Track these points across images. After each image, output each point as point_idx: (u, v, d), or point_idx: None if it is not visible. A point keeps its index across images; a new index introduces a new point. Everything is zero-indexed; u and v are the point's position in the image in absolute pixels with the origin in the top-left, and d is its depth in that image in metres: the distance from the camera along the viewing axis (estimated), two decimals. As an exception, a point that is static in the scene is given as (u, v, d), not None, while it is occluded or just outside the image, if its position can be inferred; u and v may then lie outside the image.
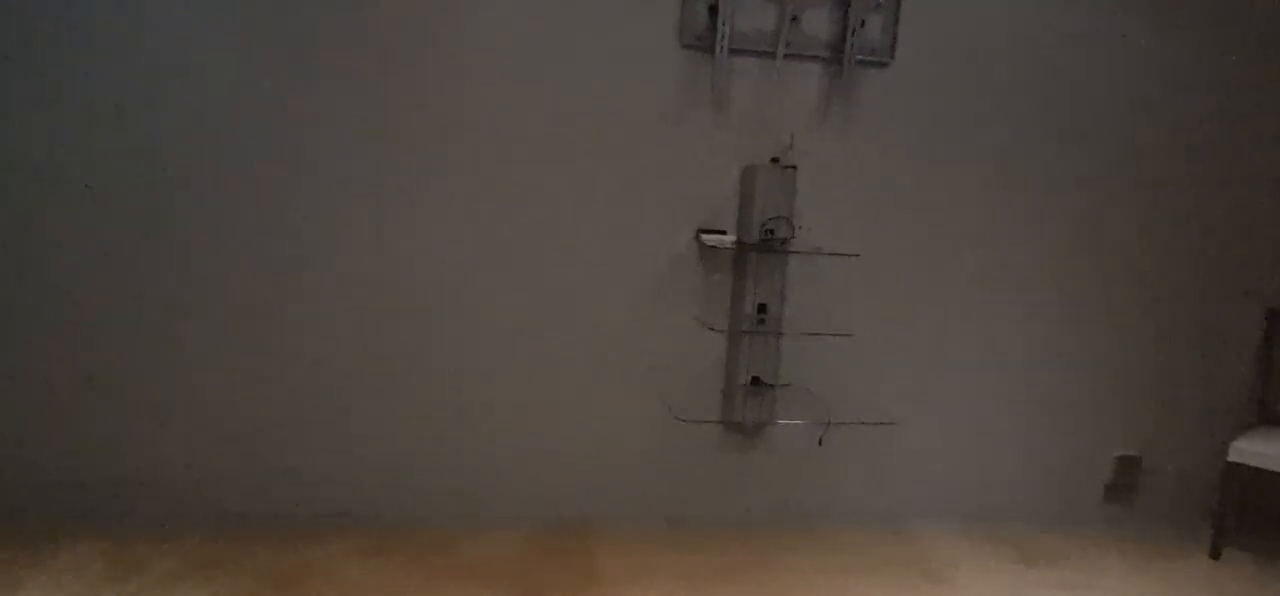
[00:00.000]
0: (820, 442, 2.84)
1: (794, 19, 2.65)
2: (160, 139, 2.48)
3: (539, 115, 2.62)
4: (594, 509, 2.81)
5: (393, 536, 2.62)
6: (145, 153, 2.48)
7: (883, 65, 2.74)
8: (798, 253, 2.72)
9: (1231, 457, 2.78)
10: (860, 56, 2.70)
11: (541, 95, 2.61)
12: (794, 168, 2.67)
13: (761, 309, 2.75)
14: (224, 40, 2.48)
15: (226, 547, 2.48)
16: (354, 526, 2.65)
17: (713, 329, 2.77)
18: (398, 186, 2.60)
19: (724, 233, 2.72)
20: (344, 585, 2.34)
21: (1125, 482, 3.10)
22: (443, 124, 2.59)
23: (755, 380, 2.80)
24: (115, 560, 2.37)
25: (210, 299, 2.56)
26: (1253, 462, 2.75)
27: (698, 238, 2.72)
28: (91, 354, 2.54)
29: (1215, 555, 2.87)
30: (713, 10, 2.61)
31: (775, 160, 2.68)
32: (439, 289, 2.66)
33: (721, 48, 2.62)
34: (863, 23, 2.68)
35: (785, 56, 2.67)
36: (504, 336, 2.71)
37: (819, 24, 2.69)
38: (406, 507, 2.72)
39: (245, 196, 2.54)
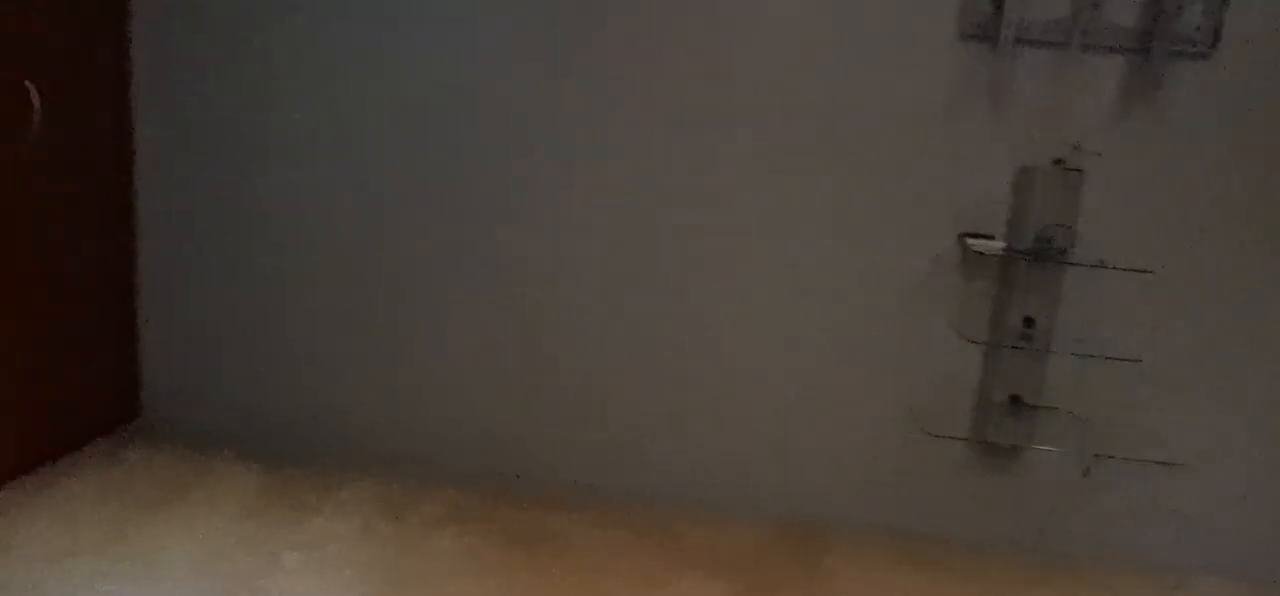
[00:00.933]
0: (1085, 474, 2.57)
1: (1095, 5, 2.36)
2: (430, 99, 2.68)
3: (802, 106, 2.54)
4: (825, 511, 2.73)
5: (623, 511, 2.69)
6: (419, 115, 2.69)
7: (1200, 57, 2.37)
8: (1078, 265, 2.45)
9: None
10: (1173, 47, 2.36)
11: (805, 86, 2.53)
12: (1080, 171, 2.40)
13: (1028, 322, 2.52)
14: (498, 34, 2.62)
15: (476, 501, 2.67)
16: (587, 497, 2.76)
17: (970, 340, 2.57)
18: (658, 173, 2.63)
19: (991, 237, 2.50)
20: (578, 552, 2.44)
21: None
22: (705, 116, 2.58)
23: (1014, 399, 2.57)
24: (386, 500, 2.62)
25: (480, 269, 2.75)
26: None
27: (961, 241, 2.53)
28: (373, 312, 2.82)
29: None
30: (999, -3, 2.39)
31: (1058, 162, 2.42)
32: (692, 273, 2.68)
33: (1006, 37, 2.39)
34: (1180, 8, 2.34)
35: (1081, 47, 2.39)
36: (748, 325, 2.68)
37: (1124, 10, 2.37)
38: (637, 485, 2.79)
39: (519, 164, 2.68)
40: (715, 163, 2.60)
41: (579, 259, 2.71)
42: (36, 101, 2.36)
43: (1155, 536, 2.64)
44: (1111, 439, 2.56)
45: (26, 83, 2.34)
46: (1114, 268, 2.44)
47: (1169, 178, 2.44)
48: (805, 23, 2.50)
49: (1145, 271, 2.43)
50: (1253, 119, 2.39)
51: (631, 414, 2.78)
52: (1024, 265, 2.48)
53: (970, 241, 2.49)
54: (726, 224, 2.64)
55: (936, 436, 2.64)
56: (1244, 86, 2.38)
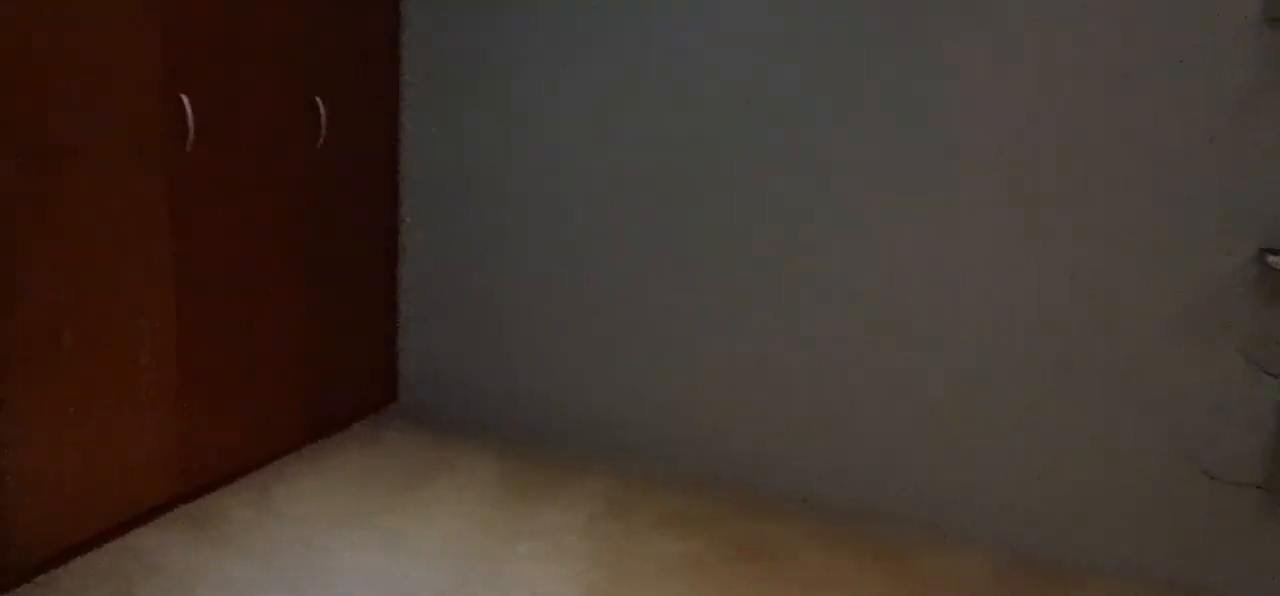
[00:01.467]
0: None
1: None
2: (685, 95, 2.71)
3: (1072, 101, 2.31)
4: (1073, 548, 2.47)
5: (849, 530, 2.58)
6: (672, 112, 2.73)
7: None
8: None
9: None
10: None
11: (1077, 78, 2.30)
12: None
13: (1346, 355, 2.14)
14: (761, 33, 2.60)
15: (700, 505, 2.67)
16: (812, 511, 2.68)
17: (1269, 372, 2.22)
18: (909, 183, 2.51)
19: (1300, 254, 2.15)
20: (805, 568, 2.37)
21: None
22: (963, 116, 2.43)
23: (1325, 444, 2.20)
24: (613, 497, 2.69)
25: (724, 274, 2.75)
26: None
27: (1262, 258, 2.19)
28: (615, 310, 2.90)
29: None
30: (1318, -29, 2.04)
31: (1394, 166, 2.04)
32: (939, 288, 2.52)
33: (1325, 20, 2.04)
34: None
35: None
36: (997, 341, 2.49)
37: None
38: (867, 503, 2.67)
39: (773, 171, 2.66)
40: (972, 169, 2.44)
41: (822, 270, 2.63)
42: (324, 113, 2.64)
43: None
44: None
45: (316, 98, 2.62)
46: None
47: None
48: (1083, 6, 2.27)
49: None
50: None
51: (863, 430, 2.66)
52: (1343, 288, 2.11)
53: (1272, 258, 2.16)
54: (981, 236, 2.46)
55: (1221, 481, 2.30)
56: None
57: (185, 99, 2.21)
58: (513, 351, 3.07)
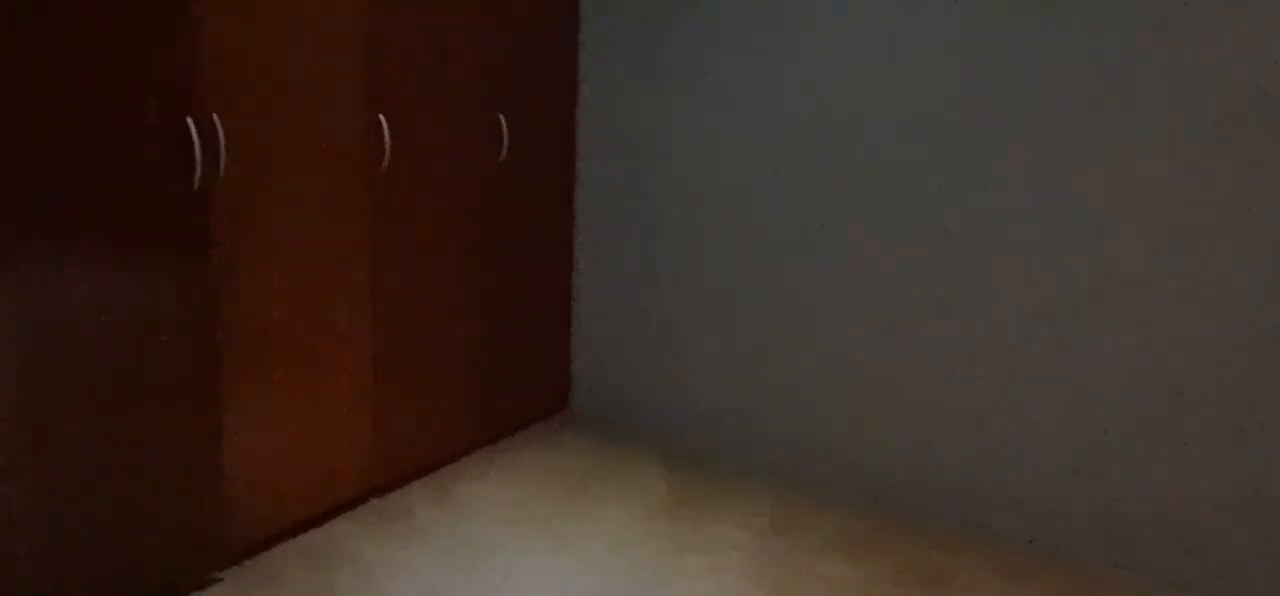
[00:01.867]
0: None
1: None
2: (861, 109, 2.64)
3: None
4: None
5: (1036, 563, 2.42)
6: (845, 126, 2.66)
7: None
8: None
9: None
10: None
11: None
12: None
13: None
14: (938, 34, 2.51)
15: (869, 527, 2.58)
16: (990, 541, 2.52)
17: None
18: (1092, 198, 2.34)
19: None
20: (984, 605, 2.25)
21: None
22: (1146, 133, 2.23)
23: None
24: (779, 516, 2.64)
25: (899, 292, 2.66)
26: None
27: None
28: (786, 324, 2.86)
29: None
30: None
31: None
32: (1118, 316, 2.33)
33: None
34: None
35: None
36: (1188, 378, 2.26)
37: None
38: (1051, 535, 2.48)
39: (944, 182, 2.56)
40: (1159, 197, 2.24)
41: (1003, 299, 2.49)
42: (506, 131, 2.76)
43: None
44: None
45: (499, 116, 2.75)
46: None
47: None
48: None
49: None
50: None
51: (1041, 459, 2.48)
52: None
53: None
54: (1174, 273, 2.25)
55: None
56: None
57: (382, 119, 2.37)
58: (682, 363, 3.09)
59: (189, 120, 1.91)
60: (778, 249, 2.83)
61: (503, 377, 3.04)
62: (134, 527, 1.98)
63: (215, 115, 1.96)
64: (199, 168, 1.93)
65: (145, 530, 2.00)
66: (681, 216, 3.00)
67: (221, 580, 2.19)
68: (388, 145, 2.39)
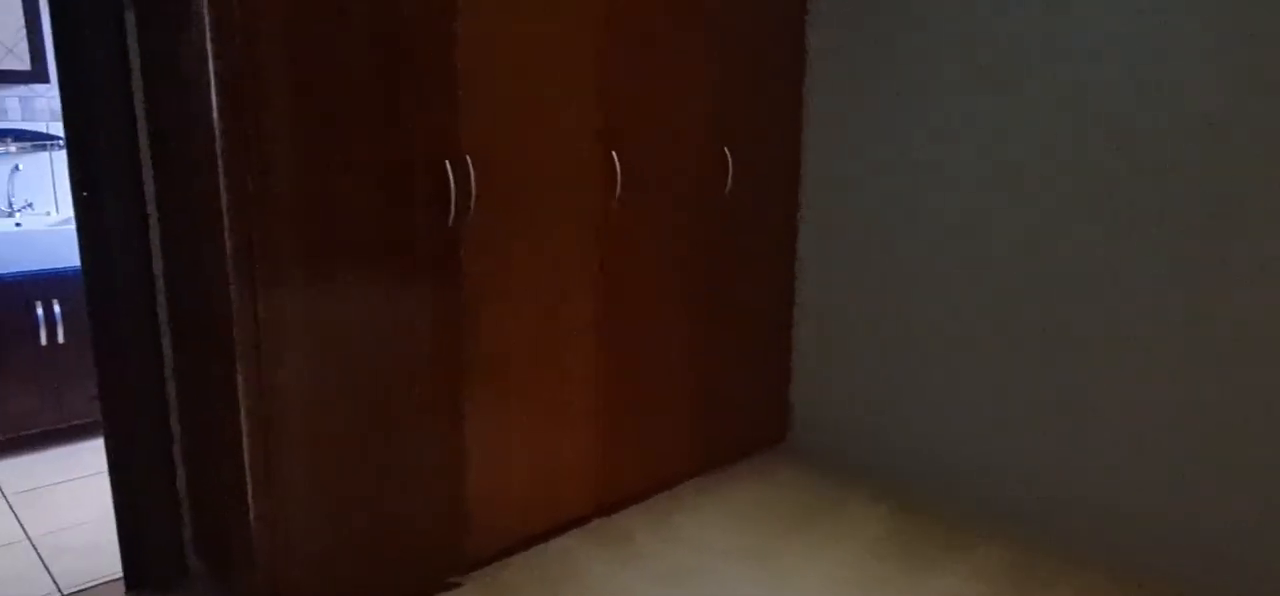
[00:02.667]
0: None
1: None
2: (1107, 129, 2.42)
3: None
4: None
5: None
6: (1087, 149, 2.45)
7: None
8: None
9: None
10: None
11: None
12: None
13: None
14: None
15: (1121, 593, 2.34)
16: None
17: None
18: None
19: None
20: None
21: None
22: None
23: None
24: (1015, 573, 2.46)
25: (1156, 328, 2.42)
26: None
27: None
28: (1022, 363, 2.67)
29: None
30: None
31: None
32: None
33: None
34: None
35: None
36: None
37: None
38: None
39: (1196, 237, 2.30)
40: None
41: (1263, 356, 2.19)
42: (731, 163, 2.78)
43: None
44: None
45: (724, 149, 2.77)
46: None
47: None
48: None
49: None
50: None
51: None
52: None
53: None
54: None
55: None
56: None
57: (615, 155, 2.46)
58: (907, 399, 2.96)
59: (447, 162, 2.08)
60: (1012, 279, 2.65)
61: (722, 406, 3.05)
62: (389, 529, 2.17)
63: (468, 157, 2.12)
64: (454, 204, 2.09)
65: (399, 532, 2.19)
66: (908, 247, 2.88)
67: (461, 585, 2.35)
68: (619, 178, 2.47)
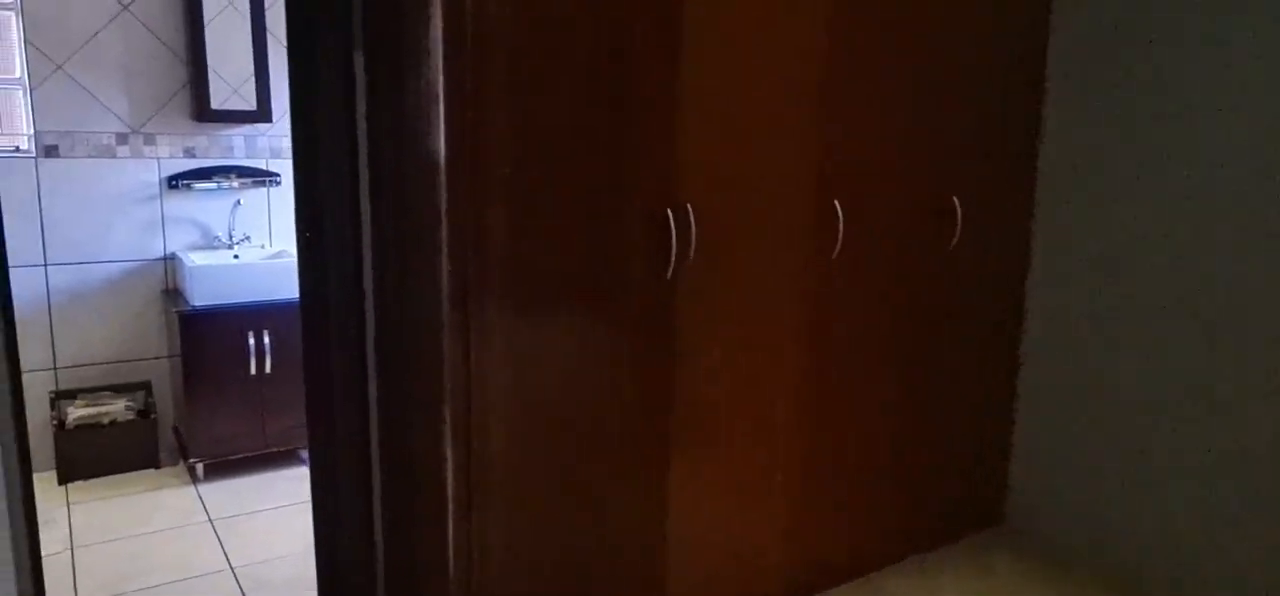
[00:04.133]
0: None
1: None
2: None
3: None
4: None
5: None
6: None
7: None
8: None
9: None
10: None
11: None
12: None
13: None
14: None
15: None
16: None
17: None
18: None
19: None
20: None
21: None
22: None
23: None
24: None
25: None
26: None
27: None
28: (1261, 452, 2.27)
29: None
30: None
31: None
32: None
33: None
34: None
35: None
36: None
37: None
38: None
39: None
40: None
41: None
42: (960, 215, 2.53)
43: None
44: None
45: (953, 199, 2.53)
46: None
47: None
48: None
49: None
50: None
51: None
52: None
53: None
54: None
55: None
56: None
57: (837, 205, 2.27)
58: (1143, 485, 2.58)
59: (668, 211, 1.96)
60: (1267, 365, 2.25)
61: (934, 483, 2.77)
62: (581, 577, 2.05)
63: (689, 206, 1.99)
64: (674, 254, 1.97)
65: (594, 578, 2.07)
66: (1151, 314, 2.52)
67: (656, 663, 2.19)
68: (841, 231, 2.28)
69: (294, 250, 3.63)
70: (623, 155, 1.91)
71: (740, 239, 2.14)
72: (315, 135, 2.11)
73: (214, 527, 2.96)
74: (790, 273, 2.26)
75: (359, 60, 2.13)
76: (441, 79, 1.73)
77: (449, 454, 1.85)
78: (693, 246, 2.00)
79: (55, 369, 3.36)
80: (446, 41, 1.71)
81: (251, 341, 3.31)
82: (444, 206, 1.76)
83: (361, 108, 2.14)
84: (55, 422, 3.27)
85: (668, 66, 1.94)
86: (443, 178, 1.76)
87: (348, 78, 2.12)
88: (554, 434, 1.96)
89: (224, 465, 3.37)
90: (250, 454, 3.40)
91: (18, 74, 3.22)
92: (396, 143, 2.04)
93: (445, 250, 1.78)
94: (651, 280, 1.99)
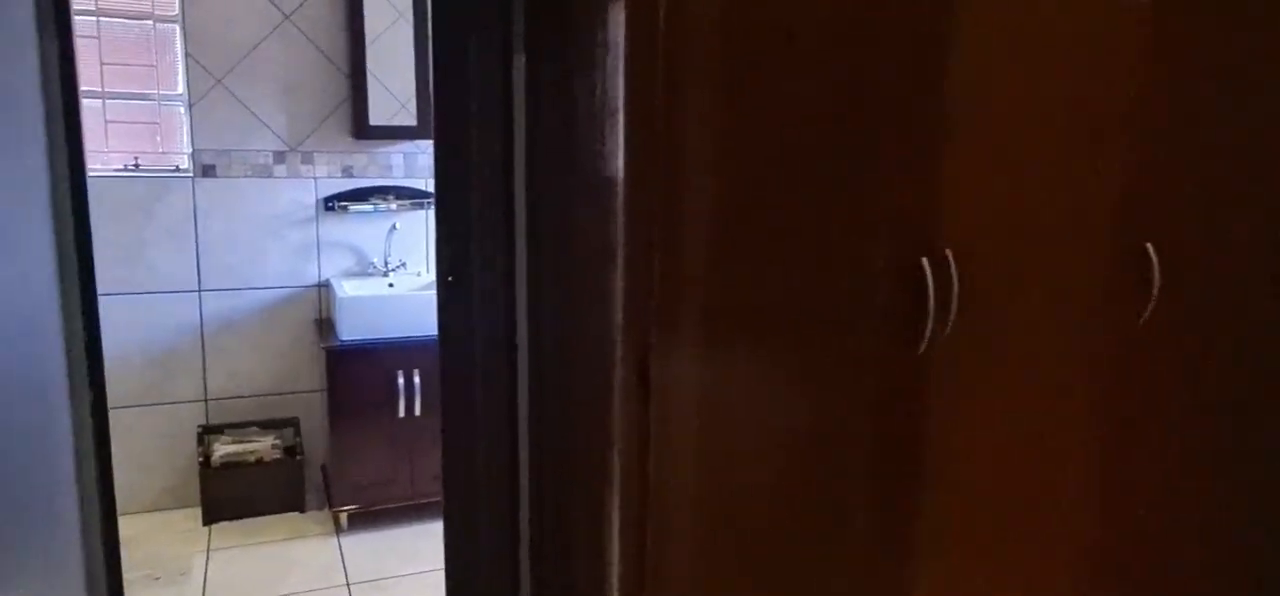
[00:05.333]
0: None
1: None
2: None
3: None
4: None
5: None
6: None
7: None
8: None
9: None
10: None
11: None
12: None
13: None
14: None
15: None
16: None
17: None
18: None
19: None
20: None
21: None
22: None
23: None
24: None
25: None
26: None
27: None
28: None
29: None
30: None
31: None
32: None
33: None
34: None
35: None
36: None
37: None
38: None
39: None
40: None
41: None
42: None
43: None
44: None
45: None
46: None
47: None
48: None
49: None
50: None
51: None
52: None
53: None
54: None
55: None
56: None
57: (1150, 247, 1.65)
58: None
59: (923, 261, 1.41)
60: None
61: (1250, 588, 2.06)
62: None
63: (949, 253, 1.44)
64: (931, 316, 1.42)
65: None
66: None
67: None
68: (1156, 283, 1.65)
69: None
70: (863, 187, 1.39)
71: (1016, 295, 1.56)
72: (462, 149, 1.71)
73: (350, 592, 2.65)
74: (1081, 339, 1.65)
75: (519, 64, 1.72)
76: (622, 85, 1.28)
77: (616, 539, 1.40)
78: (954, 307, 1.45)
79: (206, 401, 3.19)
80: (630, 40, 1.26)
81: (401, 380, 3.00)
82: (620, 240, 1.32)
83: (520, 120, 1.74)
84: (201, 459, 3.08)
85: (932, 71, 1.40)
86: (619, 205, 1.30)
87: (505, 85, 1.71)
88: (754, 528, 1.46)
89: (369, 516, 3.07)
90: (397, 504, 3.09)
91: (180, 90, 3.07)
92: (562, 162, 1.61)
93: (620, 295, 1.33)
94: (898, 347, 1.45)
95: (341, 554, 2.88)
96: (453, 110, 1.70)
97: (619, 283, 1.32)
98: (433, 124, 1.74)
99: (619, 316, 1.33)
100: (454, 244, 1.72)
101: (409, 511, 3.11)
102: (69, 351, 1.74)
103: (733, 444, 1.42)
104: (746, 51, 1.30)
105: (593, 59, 1.39)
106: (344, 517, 3.03)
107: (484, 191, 1.71)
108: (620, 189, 1.30)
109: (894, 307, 1.44)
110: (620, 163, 1.30)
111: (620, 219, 1.30)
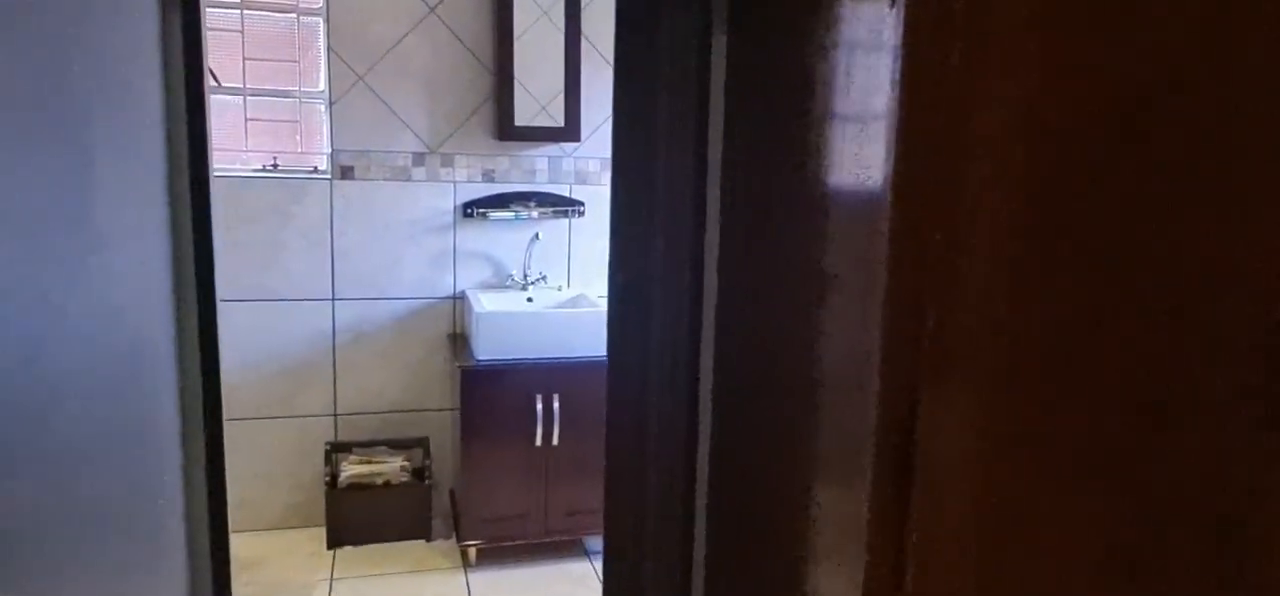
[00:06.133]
0: None
1: None
2: None
3: None
4: None
5: None
6: None
7: None
8: None
9: None
10: None
11: None
12: None
13: None
14: None
15: None
16: None
17: None
18: None
19: None
20: None
21: None
22: None
23: None
24: None
25: None
26: None
27: None
28: None
29: None
30: None
31: None
32: None
33: None
34: None
35: None
36: None
37: None
38: None
39: None
40: None
41: None
42: None
43: None
44: None
45: None
46: None
47: None
48: None
49: None
50: None
51: None
52: None
53: None
54: None
55: None
56: None
57: None
58: None
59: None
60: None
61: None
62: None
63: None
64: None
65: None
66: None
67: None
68: None
69: (593, 294, 3.12)
70: (1228, 222, 1.00)
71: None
72: (646, 143, 1.40)
73: (480, 644, 2.39)
74: None
75: (720, 44, 1.40)
76: (894, 76, 0.93)
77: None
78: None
79: (335, 416, 3.01)
80: (911, 17, 0.92)
81: (539, 405, 2.73)
82: (884, 265, 0.97)
83: (717, 110, 1.41)
84: (328, 479, 2.89)
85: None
86: (883, 225, 0.96)
87: (701, 69, 1.40)
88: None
89: (497, 553, 2.82)
90: (529, 542, 2.82)
91: (321, 87, 2.91)
92: (772, 162, 1.28)
93: (880, 342, 0.98)
94: (1250, 433, 1.05)
95: (469, 594, 2.63)
96: (637, 96, 1.39)
97: (882, 326, 0.97)
98: (613, 108, 1.43)
99: (877, 368, 0.98)
100: (631, 249, 1.41)
101: (542, 550, 2.84)
102: (181, 360, 1.53)
103: (1027, 551, 1.05)
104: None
105: (838, 40, 1.05)
106: (472, 552, 2.78)
107: (671, 186, 1.39)
108: (885, 206, 0.95)
109: (1255, 383, 1.03)
110: (885, 173, 0.95)
111: (885, 240, 0.96)
